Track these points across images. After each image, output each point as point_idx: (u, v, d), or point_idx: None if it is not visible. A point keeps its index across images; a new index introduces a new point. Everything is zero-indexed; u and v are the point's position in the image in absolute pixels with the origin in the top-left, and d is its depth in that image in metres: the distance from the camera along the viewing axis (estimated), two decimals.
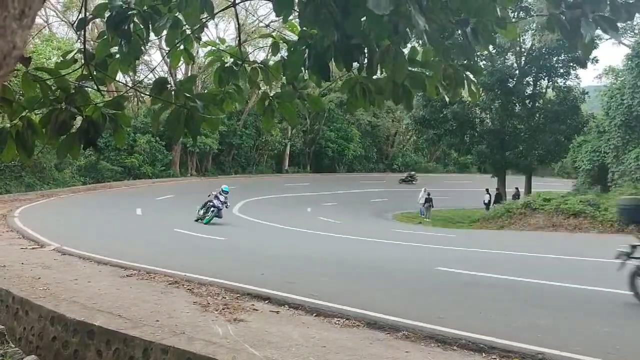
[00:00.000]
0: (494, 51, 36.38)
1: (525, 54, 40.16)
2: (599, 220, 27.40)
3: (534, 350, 6.42)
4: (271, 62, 5.25)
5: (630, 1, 3.94)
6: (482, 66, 38.33)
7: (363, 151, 66.33)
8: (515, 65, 40.82)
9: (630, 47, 34.09)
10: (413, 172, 60.76)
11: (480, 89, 35.12)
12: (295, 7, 3.85)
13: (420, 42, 4.42)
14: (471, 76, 4.61)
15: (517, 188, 39.96)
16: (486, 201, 38.27)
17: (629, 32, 36.68)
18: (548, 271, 13.37)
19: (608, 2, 3.81)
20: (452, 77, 4.50)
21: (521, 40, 39.00)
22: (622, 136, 32.20)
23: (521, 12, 31.75)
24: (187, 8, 4.08)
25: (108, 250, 14.15)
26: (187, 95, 4.54)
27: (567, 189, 36.31)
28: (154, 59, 51.69)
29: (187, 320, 7.38)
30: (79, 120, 4.38)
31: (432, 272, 13.04)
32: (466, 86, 4.48)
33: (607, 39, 37.30)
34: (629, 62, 32.93)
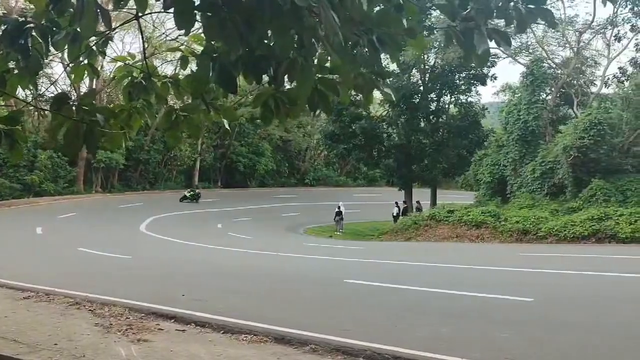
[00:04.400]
0: (397, 70, 37.54)
1: (429, 71, 41.63)
2: (499, 230, 28.66)
3: (435, 358, 6.60)
4: (181, 76, 5.14)
5: (522, 10, 4.09)
6: (389, 82, 39.39)
7: (275, 166, 66.26)
8: (420, 81, 42.24)
9: (526, 66, 36.06)
10: (198, 190, 51.01)
11: (386, 104, 36.05)
12: (198, 20, 3.79)
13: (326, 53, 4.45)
14: (381, 80, 4.68)
15: (418, 202, 41.15)
16: (395, 213, 39.11)
17: (524, 51, 38.76)
18: (451, 280, 13.79)
19: (495, 13, 3.97)
20: (362, 86, 4.55)
21: (425, 57, 40.37)
22: (519, 150, 33.90)
23: (425, 31, 32.90)
24: (83, 20, 3.93)
25: (3, 271, 13.39)
26: (86, 108, 4.37)
27: (470, 201, 37.75)
28: (56, 71, 49.66)
29: (87, 343, 7.06)
30: None
31: (340, 285, 13.15)
32: (380, 90, 4.55)
33: (504, 58, 39.30)
34: (524, 80, 34.83)
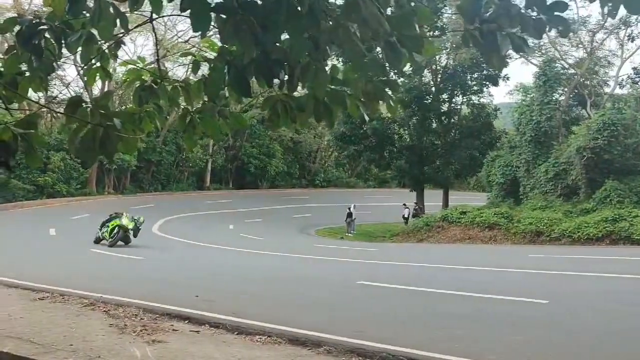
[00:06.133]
0: (410, 69, 37.48)
1: (440, 72, 41.50)
2: (512, 232, 28.53)
3: None
4: (192, 80, 5.16)
5: (542, 18, 4.09)
6: (400, 83, 39.39)
7: (285, 167, 66.30)
8: (431, 82, 42.13)
9: (538, 66, 35.88)
10: (139, 220, 24.39)
11: (399, 105, 36.09)
12: (214, 23, 3.80)
13: (341, 59, 4.43)
14: (389, 92, 4.68)
15: (416, 203, 41.07)
16: (406, 215, 39.04)
17: (537, 51, 38.56)
18: (465, 282, 13.74)
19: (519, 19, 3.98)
20: (371, 93, 4.55)
21: (437, 58, 40.27)
22: (532, 151, 33.72)
23: (437, 31, 32.88)
24: (101, 22, 3.96)
25: (18, 272, 13.48)
26: (103, 112, 4.39)
27: (482, 202, 37.61)
28: (69, 74, 49.93)
29: (102, 344, 7.10)
30: None
31: (354, 286, 13.15)
32: (385, 101, 4.55)
33: (517, 58, 39.13)
34: (537, 80, 34.64)
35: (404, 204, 39.94)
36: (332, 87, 4.40)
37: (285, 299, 11.55)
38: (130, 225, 22.24)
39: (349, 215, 38.07)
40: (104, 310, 9.22)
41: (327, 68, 4.28)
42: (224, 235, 30.83)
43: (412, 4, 4.25)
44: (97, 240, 22.83)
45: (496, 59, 4.10)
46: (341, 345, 7.11)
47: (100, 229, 22.81)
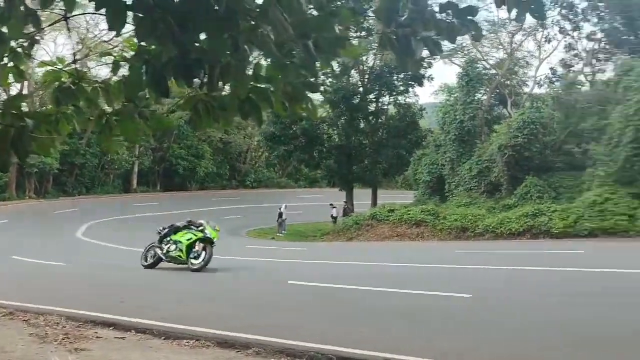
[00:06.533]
0: (338, 69, 37.82)
1: (368, 72, 42.06)
2: (438, 228, 29.26)
3: (379, 357, 6.68)
4: (113, 81, 5.02)
5: (455, 22, 4.19)
6: (329, 83, 39.74)
7: (215, 168, 65.54)
8: (359, 82, 42.64)
9: (461, 67, 36.92)
10: None
11: (327, 106, 36.24)
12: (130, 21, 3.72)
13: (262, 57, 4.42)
14: (310, 94, 4.70)
15: (345, 202, 41.51)
16: (334, 214, 39.16)
17: (459, 52, 39.63)
18: (393, 279, 14.00)
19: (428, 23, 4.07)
20: (290, 94, 4.56)
21: (364, 59, 40.77)
22: (456, 149, 34.73)
23: (363, 32, 33.27)
24: (10, 20, 3.80)
25: None
26: (15, 113, 4.22)
27: (410, 200, 38.34)
28: None
29: (21, 354, 6.83)
30: None
31: (284, 286, 13.16)
32: (304, 103, 4.56)
33: (440, 59, 40.13)
34: (460, 80, 35.70)
35: (331, 204, 40.17)
36: (257, 85, 4.38)
37: (215, 301, 11.43)
38: (216, 237, 16.26)
39: (280, 215, 38.02)
40: (24, 320, 8.87)
41: (250, 66, 4.26)
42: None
43: (333, 5, 4.28)
44: (153, 263, 16.63)
45: (411, 63, 4.19)
46: (270, 345, 7.11)
47: (160, 244, 16.57)
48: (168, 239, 16.27)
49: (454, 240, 27.86)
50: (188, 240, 15.65)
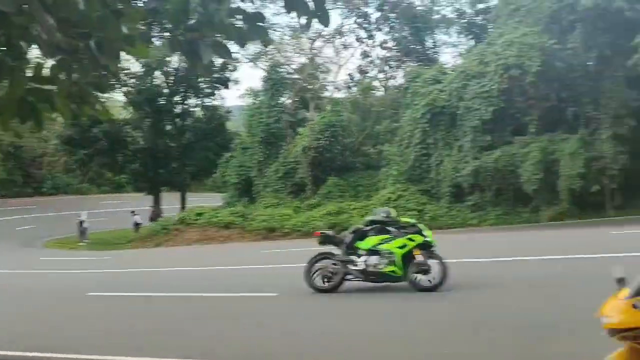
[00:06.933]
0: (142, 69, 36.68)
1: (173, 73, 41.27)
2: (247, 230, 29.57)
3: None
4: None
5: (244, 28, 4.28)
6: (132, 84, 38.36)
7: (6, 174, 59.97)
8: (164, 84, 41.68)
9: (265, 71, 37.68)
10: None
11: (130, 108, 34.93)
12: None
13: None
14: (99, 94, 4.53)
15: (152, 207, 40.56)
16: (138, 221, 37.30)
17: (263, 56, 40.35)
18: (197, 283, 13.91)
19: (218, 27, 4.11)
20: (77, 95, 4.36)
21: (169, 59, 39.92)
22: (263, 151, 35.37)
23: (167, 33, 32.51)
24: None
25: None
26: None
27: (219, 203, 38.27)
28: None
29: None
30: None
31: (83, 299, 12.47)
32: (91, 104, 4.39)
33: (246, 62, 40.54)
34: (265, 84, 36.44)
35: (133, 211, 38.06)
36: (36, 85, 4.12)
37: (3, 318, 10.50)
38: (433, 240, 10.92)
39: (81, 223, 35.78)
40: None
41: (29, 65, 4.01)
42: None
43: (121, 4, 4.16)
44: (334, 284, 11.05)
45: (200, 67, 4.22)
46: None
47: (346, 253, 11.21)
48: (357, 248, 11.19)
49: (262, 240, 28.30)
50: (402, 248, 10.82)
